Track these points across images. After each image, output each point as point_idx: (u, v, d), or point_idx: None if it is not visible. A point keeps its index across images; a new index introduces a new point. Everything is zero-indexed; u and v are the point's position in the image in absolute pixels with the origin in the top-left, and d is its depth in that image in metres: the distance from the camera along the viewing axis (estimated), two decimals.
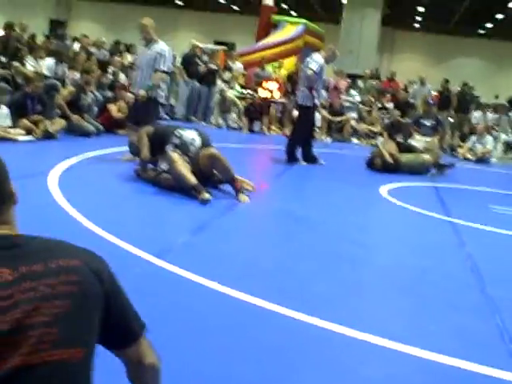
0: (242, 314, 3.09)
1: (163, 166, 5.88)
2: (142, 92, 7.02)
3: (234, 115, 13.37)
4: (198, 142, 5.97)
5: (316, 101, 8.85)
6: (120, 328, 1.42)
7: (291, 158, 8.91)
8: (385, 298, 3.68)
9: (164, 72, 7.24)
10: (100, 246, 3.78)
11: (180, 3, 31.07)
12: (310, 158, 8.98)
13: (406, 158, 9.24)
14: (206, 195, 5.38)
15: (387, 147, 9.35)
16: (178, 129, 6.11)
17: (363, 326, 3.04)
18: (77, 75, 10.20)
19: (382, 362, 2.76)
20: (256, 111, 12.86)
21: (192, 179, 5.53)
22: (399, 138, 9.83)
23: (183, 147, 5.88)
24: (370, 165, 9.20)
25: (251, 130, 12.86)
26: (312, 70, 8.53)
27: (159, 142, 6.02)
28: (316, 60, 8.61)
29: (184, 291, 3.31)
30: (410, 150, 9.58)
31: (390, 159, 9.04)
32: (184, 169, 5.63)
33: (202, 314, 3.05)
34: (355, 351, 2.84)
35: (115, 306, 1.38)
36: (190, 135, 5.99)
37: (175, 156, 5.69)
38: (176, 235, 4.38)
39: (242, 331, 2.90)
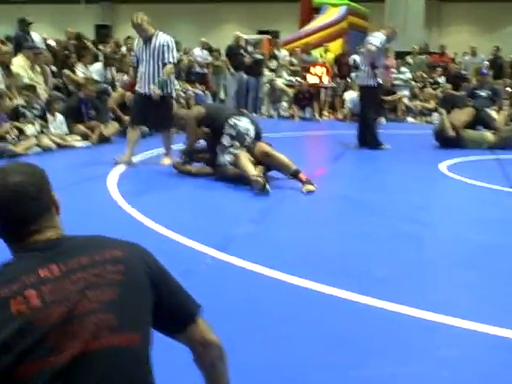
0: (309, 302, 3.07)
1: (227, 158, 5.82)
2: (157, 91, 6.54)
3: (284, 104, 13.31)
4: (252, 132, 5.91)
5: (379, 79, 8.50)
6: (175, 310, 1.47)
7: (374, 143, 8.53)
8: (450, 275, 3.59)
9: (174, 64, 6.89)
10: (160, 242, 3.85)
11: None
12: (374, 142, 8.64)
13: (468, 134, 8.96)
14: (266, 186, 5.33)
15: (454, 118, 9.04)
16: (232, 117, 5.97)
17: (431, 306, 2.98)
18: (125, 77, 10.34)
19: (456, 341, 2.70)
20: (305, 98, 12.76)
21: (253, 171, 5.50)
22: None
23: (240, 138, 5.82)
24: (437, 138, 8.94)
25: (302, 117, 12.78)
26: (375, 45, 8.17)
27: (212, 129, 5.99)
28: (377, 36, 8.29)
29: (249, 282, 3.32)
30: (485, 120, 9.20)
31: (452, 132, 8.76)
32: (247, 162, 5.61)
33: (269, 304, 3.04)
34: (426, 332, 2.78)
35: (166, 290, 1.44)
36: (245, 125, 5.91)
37: (238, 152, 5.69)
38: (236, 227, 4.39)
39: (309, 319, 2.87)
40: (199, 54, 14.02)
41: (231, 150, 5.79)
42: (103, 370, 1.23)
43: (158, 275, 1.43)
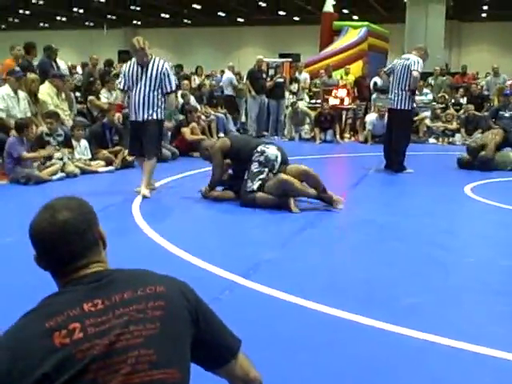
0: (334, 330, 3.05)
1: (255, 184, 5.85)
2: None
3: (306, 126, 13.32)
4: (279, 158, 5.97)
5: (414, 103, 8.54)
6: (216, 345, 1.48)
7: (400, 167, 8.50)
8: (480, 302, 3.54)
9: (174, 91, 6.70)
10: (184, 268, 3.86)
11: (241, 20, 31.42)
12: (400, 166, 8.60)
13: (497, 155, 8.90)
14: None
15: (488, 138, 8.97)
16: (260, 145, 6.04)
17: (461, 335, 2.94)
18: None
19: (487, 372, 2.65)
20: (326, 120, 12.77)
21: (313, 191, 5.82)
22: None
23: (268, 165, 5.89)
24: (462, 164, 8.89)
25: (323, 140, 12.77)
26: (418, 71, 8.17)
27: (238, 159, 6.05)
28: (418, 61, 8.24)
29: (273, 310, 3.30)
30: (511, 141, 9.13)
31: (492, 152, 8.69)
32: (300, 183, 5.79)
33: (295, 331, 3.02)
34: (457, 362, 2.74)
35: (206, 324, 1.45)
36: (274, 152, 5.96)
37: (281, 176, 5.77)
38: (261, 253, 4.37)
39: (337, 347, 2.85)
40: (230, 76, 14.03)
41: (261, 176, 5.85)
42: None
43: (197, 310, 1.45)
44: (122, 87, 6.52)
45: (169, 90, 6.40)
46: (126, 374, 1.25)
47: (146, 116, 6.33)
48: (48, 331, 1.26)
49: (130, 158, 8.46)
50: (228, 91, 13.63)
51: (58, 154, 7.52)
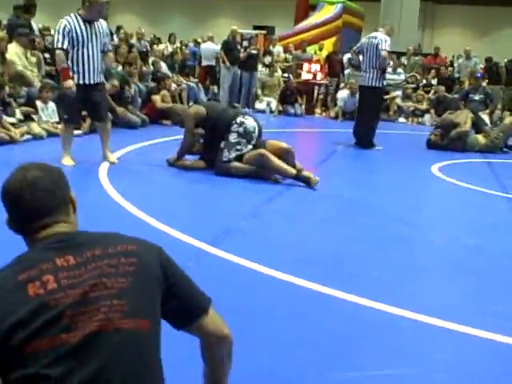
0: (302, 300, 3.07)
1: (231, 153, 5.82)
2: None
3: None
4: (257, 130, 5.96)
5: (384, 81, 8.62)
6: (187, 302, 1.53)
7: (369, 144, 8.61)
8: (444, 278, 3.60)
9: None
10: (153, 235, 3.80)
11: None
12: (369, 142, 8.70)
13: (454, 132, 8.99)
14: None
15: (460, 119, 9.07)
16: (238, 116, 6.01)
17: (426, 309, 2.98)
18: (120, 68, 10.24)
19: (451, 345, 2.70)
20: (292, 94, 12.72)
21: (292, 170, 5.75)
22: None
23: (247, 136, 5.87)
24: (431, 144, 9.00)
25: (286, 113, 12.69)
26: (386, 50, 8.29)
27: (215, 128, 5.97)
28: (386, 39, 8.33)
29: (241, 278, 3.30)
30: (478, 124, 9.26)
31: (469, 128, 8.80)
32: (279, 161, 5.75)
33: (261, 301, 3.03)
34: (420, 335, 2.78)
35: (177, 282, 1.50)
36: (252, 123, 5.94)
37: (262, 150, 5.74)
38: (229, 222, 4.36)
39: (303, 317, 2.87)
40: (213, 47, 13.90)
41: (238, 147, 5.83)
42: (113, 350, 1.30)
43: (169, 268, 1.50)
44: (65, 46, 5.70)
45: (109, 47, 6.14)
46: (99, 320, 1.30)
47: (97, 78, 5.97)
48: (22, 283, 1.31)
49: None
50: (209, 61, 13.51)
51: (18, 116, 7.33)
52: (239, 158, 5.83)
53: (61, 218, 1.49)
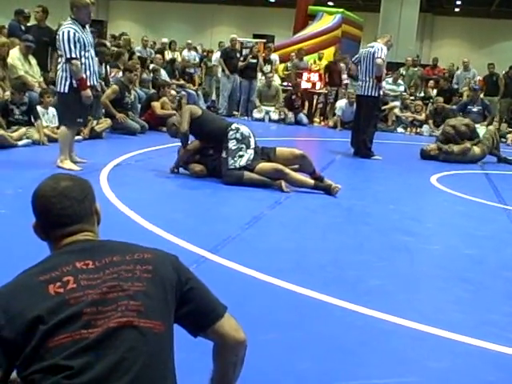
0: (301, 308, 3.07)
1: (236, 161, 5.84)
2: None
3: (274, 108, 13.25)
4: (252, 135, 6.02)
5: (381, 91, 8.68)
6: (203, 307, 1.58)
7: (367, 153, 8.62)
8: (442, 288, 3.62)
9: None
10: (152, 241, 3.79)
11: None
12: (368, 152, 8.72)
13: (457, 148, 9.02)
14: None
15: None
16: (233, 123, 6.10)
17: (424, 318, 3.00)
18: (120, 74, 10.28)
19: (446, 353, 2.71)
20: (297, 97, 12.77)
21: (310, 181, 5.87)
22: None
23: (245, 141, 5.92)
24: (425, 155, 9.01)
25: (294, 122, 12.72)
26: (382, 59, 8.34)
27: (213, 133, 5.98)
28: (382, 48, 8.40)
29: (241, 286, 3.30)
30: (472, 136, 9.30)
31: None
32: (296, 174, 5.86)
33: (261, 308, 3.03)
34: (416, 343, 2.80)
35: (192, 288, 1.55)
36: (246, 129, 6.03)
37: (277, 165, 5.81)
38: (229, 230, 4.36)
39: (302, 325, 2.87)
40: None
41: (240, 153, 5.87)
42: (131, 344, 1.36)
43: (184, 275, 1.56)
44: (77, 55, 5.71)
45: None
46: (117, 318, 1.36)
47: (96, 80, 6.20)
48: (42, 283, 1.38)
49: (98, 129, 8.36)
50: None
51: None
52: (249, 169, 5.84)
53: (86, 227, 1.57)
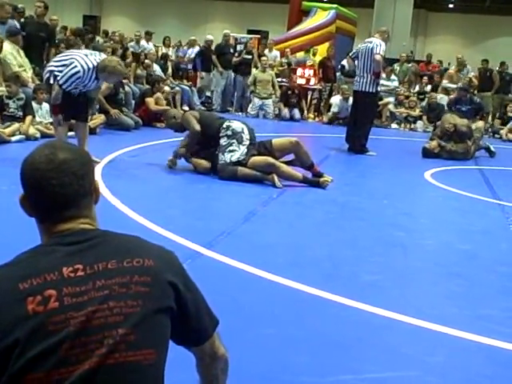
0: (297, 303, 3.08)
1: (226, 155, 5.90)
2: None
3: (270, 101, 13.13)
4: (246, 130, 6.06)
5: (378, 87, 8.68)
6: (194, 326, 1.42)
7: (362, 149, 8.62)
8: (436, 283, 3.64)
9: None
10: (147, 236, 3.77)
11: None
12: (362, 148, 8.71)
13: (461, 147, 9.03)
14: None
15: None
16: (225, 122, 6.15)
17: (419, 313, 3.01)
18: None
19: (445, 348, 2.72)
20: (293, 94, 12.74)
21: (299, 174, 5.94)
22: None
23: (236, 136, 5.97)
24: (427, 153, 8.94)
25: (290, 118, 12.67)
26: (380, 54, 8.35)
27: (205, 134, 6.04)
28: (380, 44, 8.39)
29: (237, 281, 3.31)
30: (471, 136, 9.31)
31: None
32: (287, 168, 5.93)
33: (256, 304, 3.04)
34: (412, 338, 2.81)
35: (187, 303, 1.37)
36: (238, 125, 6.09)
37: (269, 158, 5.86)
38: (223, 225, 4.36)
39: (298, 320, 2.88)
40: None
41: (230, 148, 5.91)
42: None
43: (184, 286, 1.38)
44: (66, 88, 5.64)
45: None
46: (100, 355, 1.19)
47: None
48: (22, 294, 1.19)
49: (92, 125, 8.32)
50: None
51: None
52: (242, 164, 5.88)
53: (83, 211, 1.34)
